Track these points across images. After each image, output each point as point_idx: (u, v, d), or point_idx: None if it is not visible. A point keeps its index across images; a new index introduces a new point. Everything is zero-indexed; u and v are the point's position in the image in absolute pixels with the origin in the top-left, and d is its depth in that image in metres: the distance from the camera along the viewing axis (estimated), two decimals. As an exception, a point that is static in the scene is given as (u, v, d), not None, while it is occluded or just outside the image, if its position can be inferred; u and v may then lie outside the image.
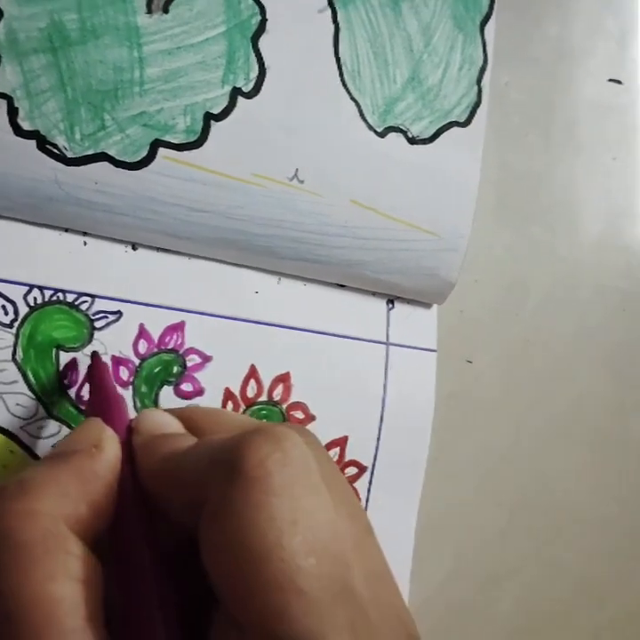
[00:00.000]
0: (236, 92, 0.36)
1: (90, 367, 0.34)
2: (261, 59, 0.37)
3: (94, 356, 0.34)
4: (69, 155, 0.34)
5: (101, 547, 0.26)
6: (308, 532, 0.23)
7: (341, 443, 0.40)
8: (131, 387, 0.35)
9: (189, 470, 0.26)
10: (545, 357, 0.48)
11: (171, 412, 0.32)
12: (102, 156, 0.34)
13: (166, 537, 0.27)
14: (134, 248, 0.36)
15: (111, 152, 0.34)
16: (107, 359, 0.35)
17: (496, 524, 0.47)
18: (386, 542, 0.41)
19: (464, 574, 0.45)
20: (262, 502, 0.23)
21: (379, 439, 0.40)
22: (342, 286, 0.40)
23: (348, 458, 0.40)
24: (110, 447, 0.28)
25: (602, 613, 0.50)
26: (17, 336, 0.33)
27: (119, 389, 0.35)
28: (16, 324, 0.33)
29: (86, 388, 0.34)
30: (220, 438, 0.27)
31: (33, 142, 0.33)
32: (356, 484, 0.40)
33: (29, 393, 0.33)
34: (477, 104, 0.42)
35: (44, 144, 0.33)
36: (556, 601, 0.49)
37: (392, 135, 0.39)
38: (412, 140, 0.40)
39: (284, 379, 0.38)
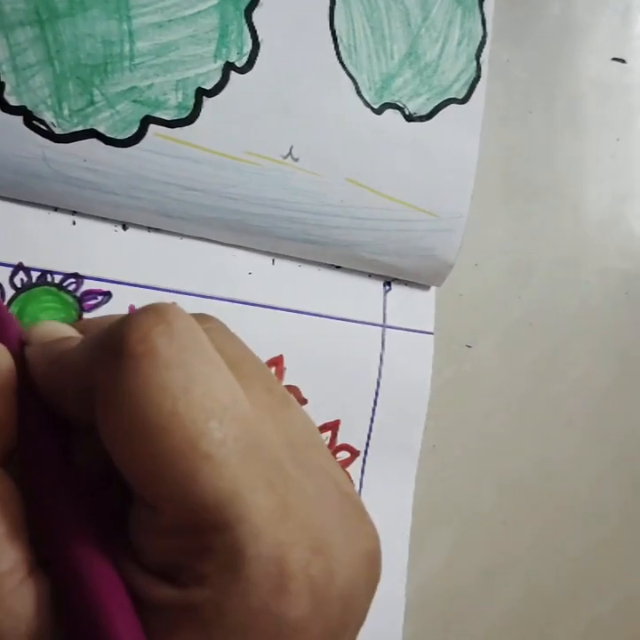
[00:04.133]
0: (228, 67, 0.35)
1: None
2: (255, 32, 0.36)
3: None
4: (57, 131, 0.33)
5: (13, 466, 0.25)
6: (204, 396, 0.22)
7: (333, 426, 0.39)
8: (121, 369, 0.35)
9: (77, 362, 0.25)
10: (546, 341, 0.47)
11: (68, 323, 0.30)
12: (91, 133, 0.33)
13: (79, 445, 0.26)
14: (125, 228, 0.35)
15: (100, 129, 0.33)
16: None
17: (495, 512, 0.46)
18: (381, 528, 0.40)
19: (462, 562, 0.45)
20: (151, 375, 0.22)
21: (372, 423, 0.40)
22: (338, 267, 0.40)
23: (339, 442, 0.39)
24: (2, 358, 0.27)
25: (602, 602, 0.50)
26: (4, 318, 0.33)
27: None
28: (2, 306, 0.33)
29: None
30: (105, 325, 0.25)
31: (19, 118, 0.32)
32: (349, 469, 0.39)
33: (17, 375, 0.33)
34: (476, 80, 0.41)
35: (31, 120, 0.32)
36: (556, 590, 0.48)
37: (389, 112, 0.38)
38: (409, 117, 0.39)
39: (276, 362, 0.38)
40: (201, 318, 0.26)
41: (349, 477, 0.39)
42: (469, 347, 0.45)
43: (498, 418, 0.46)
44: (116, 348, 0.23)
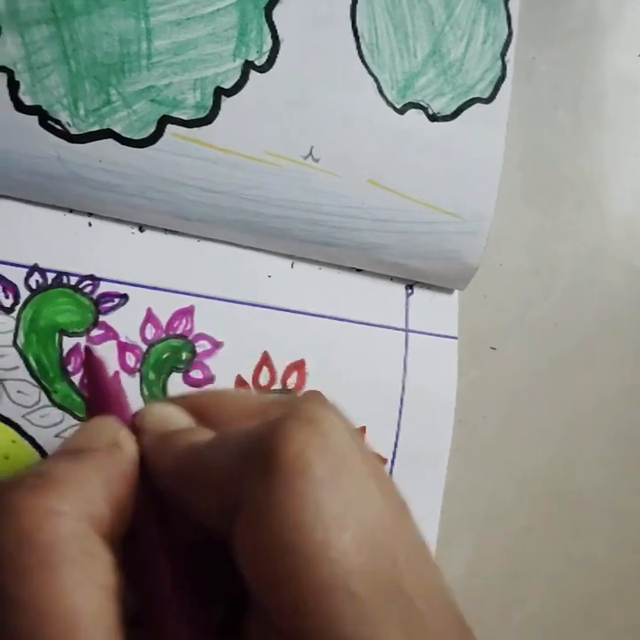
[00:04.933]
0: (248, 66, 0.34)
1: (84, 363, 0.32)
2: (275, 30, 0.35)
3: (87, 351, 0.32)
4: (73, 131, 0.32)
5: (118, 548, 0.24)
6: (356, 525, 0.21)
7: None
8: (138, 374, 0.34)
9: (214, 469, 0.24)
10: (571, 343, 0.46)
11: (174, 401, 0.29)
12: (107, 133, 0.33)
13: (186, 535, 0.25)
14: (141, 230, 0.35)
15: (117, 129, 0.33)
16: (112, 346, 0.33)
17: (520, 517, 0.45)
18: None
19: (484, 567, 0.44)
20: (305, 498, 0.21)
21: (398, 430, 0.39)
22: (359, 270, 0.39)
23: (365, 449, 0.38)
24: (129, 446, 0.26)
25: (630, 609, 0.49)
26: (18, 320, 0.32)
27: (125, 377, 0.34)
28: (17, 308, 0.32)
29: (91, 375, 0.33)
30: (247, 429, 0.24)
31: (34, 118, 0.32)
32: (374, 477, 0.38)
33: (31, 379, 0.32)
34: (501, 79, 0.40)
35: (46, 120, 0.32)
36: (582, 597, 0.47)
37: (412, 112, 0.37)
38: (433, 117, 0.38)
39: (298, 366, 0.37)
40: (322, 398, 0.25)
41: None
42: (494, 349, 0.44)
43: (522, 420, 0.45)
44: (267, 462, 0.22)
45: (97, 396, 0.30)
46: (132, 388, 0.34)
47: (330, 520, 0.21)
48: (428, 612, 0.22)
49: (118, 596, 0.22)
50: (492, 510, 0.44)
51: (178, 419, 0.28)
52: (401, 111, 0.37)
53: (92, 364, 0.31)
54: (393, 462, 0.39)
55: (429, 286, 0.40)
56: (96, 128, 0.32)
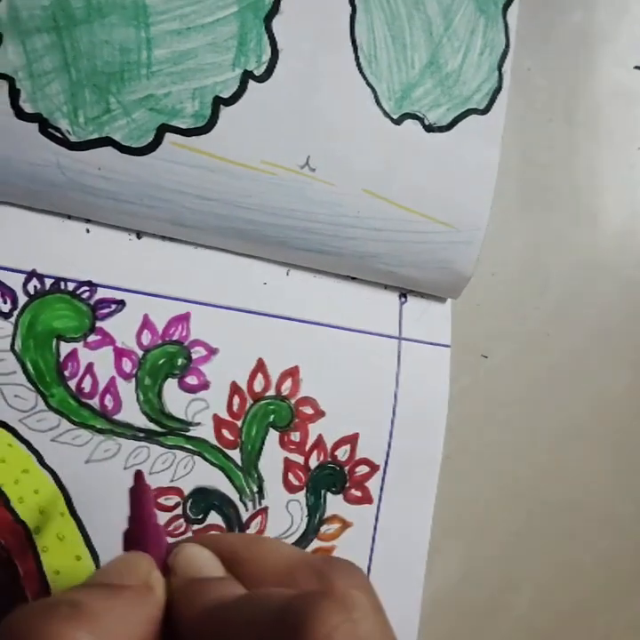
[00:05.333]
0: (246, 76, 0.35)
1: (132, 489, 0.31)
2: (274, 41, 0.35)
3: (138, 477, 0.31)
4: (72, 139, 0.32)
5: None
6: None
7: (352, 440, 0.38)
8: (134, 379, 0.34)
9: (240, 632, 0.24)
10: (564, 352, 0.46)
11: (207, 543, 0.29)
12: (107, 141, 0.33)
13: None
14: (139, 236, 0.35)
15: (116, 137, 0.33)
16: (108, 352, 0.34)
17: (511, 525, 0.45)
18: (400, 544, 0.40)
19: (475, 575, 0.44)
20: None
21: (391, 437, 0.39)
22: (353, 279, 0.39)
23: (358, 456, 0.39)
24: (160, 588, 0.26)
25: (618, 616, 0.49)
26: (16, 326, 0.32)
27: (121, 382, 0.34)
28: (15, 313, 0.32)
29: (88, 380, 0.33)
30: (279, 596, 0.24)
31: (35, 125, 0.32)
32: (368, 484, 0.39)
33: (28, 384, 0.32)
34: (497, 90, 0.40)
35: (46, 127, 0.32)
36: (572, 604, 0.48)
37: (408, 122, 0.38)
38: (429, 128, 0.38)
39: (292, 373, 0.37)
40: (351, 571, 0.26)
41: (370, 496, 0.39)
42: (485, 357, 0.44)
43: (512, 428, 0.45)
44: (295, 637, 0.22)
45: (139, 526, 0.30)
46: (127, 394, 0.34)
47: None
48: None
49: None
50: (482, 517, 0.45)
51: (209, 565, 0.28)
52: (398, 122, 0.38)
53: (140, 490, 0.31)
54: (385, 469, 0.39)
55: (423, 295, 0.41)
56: (95, 136, 0.33)
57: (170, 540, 0.30)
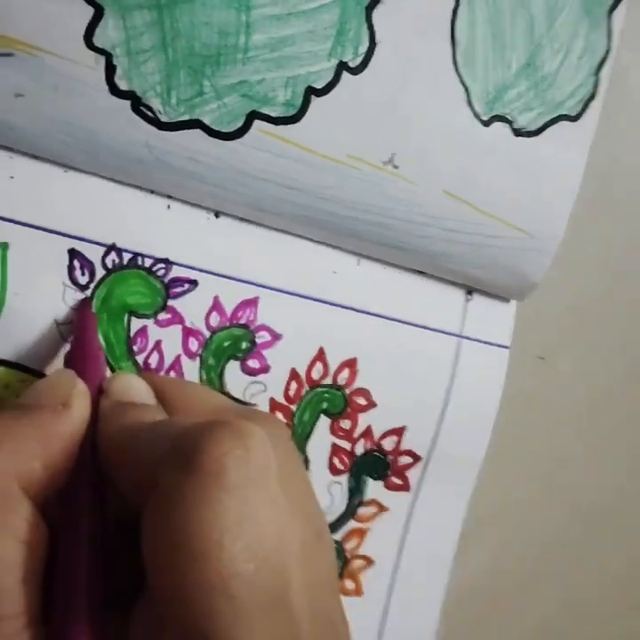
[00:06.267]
0: (341, 67, 0.34)
1: (77, 314, 0.32)
2: (373, 32, 0.34)
3: (84, 303, 0.32)
4: (163, 119, 0.32)
5: (50, 507, 0.26)
6: (252, 537, 0.23)
7: (399, 432, 0.39)
8: (198, 358, 0.35)
9: (145, 449, 0.25)
10: (623, 361, 0.46)
11: (146, 378, 0.31)
12: (196, 123, 0.33)
13: (115, 507, 0.27)
14: (217, 216, 0.35)
15: (206, 120, 0.33)
16: (177, 330, 0.34)
17: (547, 527, 0.46)
18: (431, 532, 0.41)
19: (504, 566, 0.46)
20: (212, 499, 0.22)
21: (437, 432, 0.40)
22: (421, 272, 0.39)
23: (403, 447, 0.39)
24: (78, 406, 0.27)
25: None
26: (91, 298, 0.33)
27: (186, 360, 0.35)
28: (92, 286, 0.33)
29: (154, 356, 0.34)
30: (184, 423, 0.26)
31: (127, 103, 0.32)
32: (408, 473, 0.40)
33: (99, 356, 0.33)
34: (592, 97, 0.39)
35: (138, 106, 0.32)
36: (595, 605, 0.49)
37: (497, 125, 0.37)
38: (518, 132, 0.38)
39: (350, 364, 0.38)
40: (269, 422, 0.27)
41: (407, 483, 0.40)
42: (542, 359, 0.44)
43: (561, 434, 0.46)
44: (188, 459, 0.23)
45: (79, 348, 0.31)
46: (192, 372, 0.35)
47: (230, 525, 0.22)
48: (309, 634, 0.24)
49: (38, 551, 0.24)
50: (519, 519, 0.46)
51: (141, 393, 0.30)
52: (487, 123, 0.37)
53: (85, 316, 0.32)
54: (428, 461, 0.40)
55: (488, 294, 0.41)
56: (186, 117, 0.33)
57: None
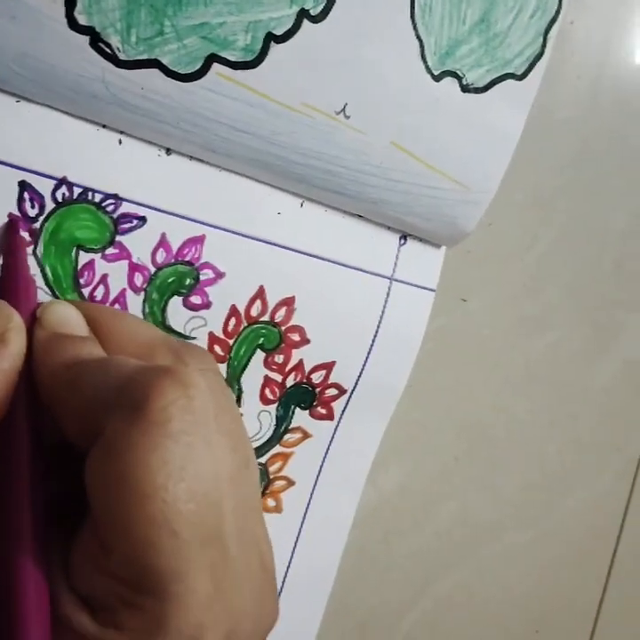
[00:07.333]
0: (302, 15, 0.34)
1: (5, 237, 0.32)
2: (335, -20, 0.34)
3: (12, 225, 0.31)
4: (121, 56, 0.32)
5: None
6: (193, 480, 0.25)
7: (328, 367, 0.41)
8: (143, 293, 0.36)
9: (89, 392, 0.26)
10: (536, 304, 0.49)
11: (79, 307, 0.31)
12: (154, 63, 0.33)
13: (49, 435, 0.28)
14: (168, 153, 0.36)
15: (164, 60, 0.33)
16: (123, 266, 0.35)
17: (450, 451, 0.50)
18: (347, 458, 0.44)
19: (411, 487, 0.49)
20: (158, 445, 0.24)
21: (363, 367, 0.42)
22: (361, 217, 0.40)
23: (331, 381, 0.42)
24: (15, 340, 0.28)
25: (520, 532, 0.55)
26: (40, 230, 0.33)
27: (130, 294, 0.36)
28: (41, 219, 0.33)
29: (100, 289, 0.35)
30: (128, 367, 0.27)
31: (86, 38, 0.31)
32: (333, 404, 0.42)
33: (46, 288, 0.34)
34: (539, 57, 0.40)
35: (96, 42, 0.32)
36: (487, 522, 0.53)
37: (447, 80, 0.38)
38: (465, 88, 0.39)
39: (288, 302, 0.39)
40: (203, 356, 0.28)
41: (331, 412, 0.42)
42: (465, 300, 0.47)
43: (473, 369, 0.49)
44: (135, 408, 0.25)
45: (9, 276, 0.30)
46: (135, 305, 0.36)
47: (173, 469, 0.24)
48: (238, 557, 0.26)
49: None
50: (427, 443, 0.49)
51: (74, 323, 0.30)
52: (437, 78, 0.38)
53: (14, 241, 0.31)
54: (351, 394, 0.43)
55: (421, 239, 0.42)
56: (144, 57, 0.32)
57: None
